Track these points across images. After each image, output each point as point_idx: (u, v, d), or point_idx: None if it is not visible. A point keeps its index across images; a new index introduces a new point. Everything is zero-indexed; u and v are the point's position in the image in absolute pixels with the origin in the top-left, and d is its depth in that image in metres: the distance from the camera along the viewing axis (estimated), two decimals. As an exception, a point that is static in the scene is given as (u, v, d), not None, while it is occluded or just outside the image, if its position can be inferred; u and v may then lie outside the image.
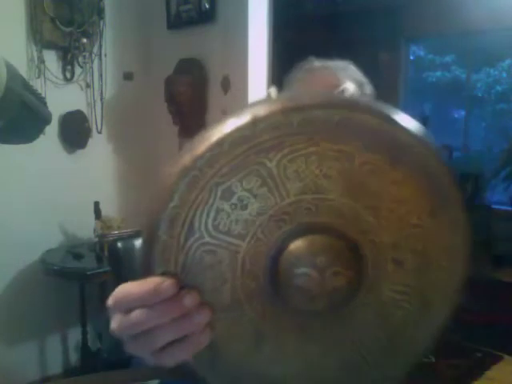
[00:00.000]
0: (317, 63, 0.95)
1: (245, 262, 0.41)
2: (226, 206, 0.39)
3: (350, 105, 0.40)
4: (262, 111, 0.38)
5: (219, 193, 0.39)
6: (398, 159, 0.40)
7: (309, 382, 0.46)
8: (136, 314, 0.40)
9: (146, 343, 0.41)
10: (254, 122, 0.38)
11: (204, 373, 0.44)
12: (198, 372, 0.44)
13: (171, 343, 0.41)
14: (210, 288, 0.41)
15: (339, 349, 0.45)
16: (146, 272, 0.41)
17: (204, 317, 0.41)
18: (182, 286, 0.40)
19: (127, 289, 0.42)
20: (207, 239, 0.40)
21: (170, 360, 0.42)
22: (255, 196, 0.40)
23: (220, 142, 0.38)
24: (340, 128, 0.39)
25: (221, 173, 0.38)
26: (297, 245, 0.41)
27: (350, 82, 0.89)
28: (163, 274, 0.40)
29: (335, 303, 0.41)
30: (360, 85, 0.92)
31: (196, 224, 0.39)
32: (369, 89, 0.93)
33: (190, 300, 0.40)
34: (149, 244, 0.40)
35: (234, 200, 0.39)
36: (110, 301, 0.44)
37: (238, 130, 0.38)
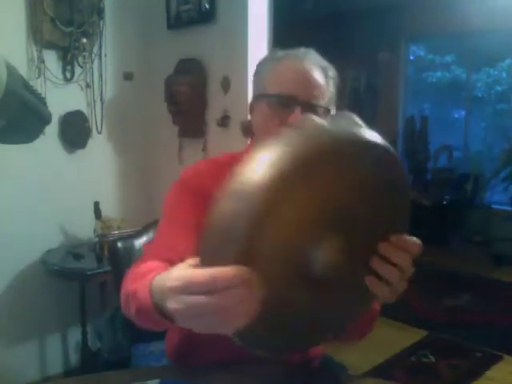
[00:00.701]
0: (280, 53, 0.99)
1: (292, 250, 0.57)
2: (288, 213, 0.55)
3: (361, 140, 0.58)
4: (319, 143, 0.54)
5: (284, 202, 0.53)
6: (375, 163, 0.60)
7: (317, 322, 0.67)
8: (221, 296, 0.50)
9: (221, 318, 0.51)
10: (318, 152, 0.54)
11: (245, 334, 0.57)
12: (240, 335, 0.57)
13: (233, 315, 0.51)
14: (265, 270, 0.54)
15: (336, 297, 0.64)
16: (215, 261, 0.52)
17: (261, 293, 0.51)
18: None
19: (207, 273, 0.51)
20: (273, 235, 0.54)
21: (231, 330, 0.53)
22: (303, 204, 0.56)
23: (294, 165, 0.52)
24: (354, 157, 0.58)
25: (288, 186, 0.52)
26: (326, 236, 0.59)
27: (315, 67, 0.95)
28: (235, 262, 0.51)
29: (343, 270, 0.60)
30: (324, 69, 0.97)
31: (264, 227, 0.53)
32: (332, 72, 0.99)
33: (255, 281, 0.51)
34: (224, 241, 0.52)
35: (293, 206, 0.55)
36: (179, 282, 0.53)
37: (307, 155, 0.53)
